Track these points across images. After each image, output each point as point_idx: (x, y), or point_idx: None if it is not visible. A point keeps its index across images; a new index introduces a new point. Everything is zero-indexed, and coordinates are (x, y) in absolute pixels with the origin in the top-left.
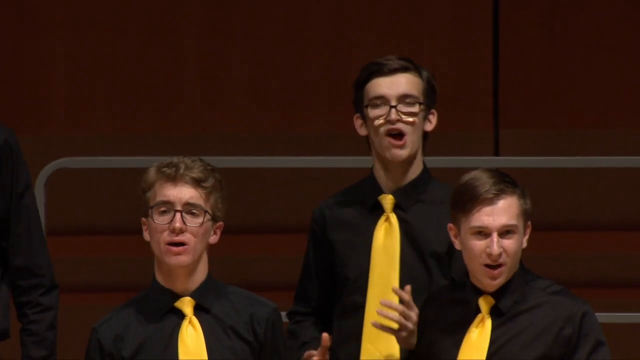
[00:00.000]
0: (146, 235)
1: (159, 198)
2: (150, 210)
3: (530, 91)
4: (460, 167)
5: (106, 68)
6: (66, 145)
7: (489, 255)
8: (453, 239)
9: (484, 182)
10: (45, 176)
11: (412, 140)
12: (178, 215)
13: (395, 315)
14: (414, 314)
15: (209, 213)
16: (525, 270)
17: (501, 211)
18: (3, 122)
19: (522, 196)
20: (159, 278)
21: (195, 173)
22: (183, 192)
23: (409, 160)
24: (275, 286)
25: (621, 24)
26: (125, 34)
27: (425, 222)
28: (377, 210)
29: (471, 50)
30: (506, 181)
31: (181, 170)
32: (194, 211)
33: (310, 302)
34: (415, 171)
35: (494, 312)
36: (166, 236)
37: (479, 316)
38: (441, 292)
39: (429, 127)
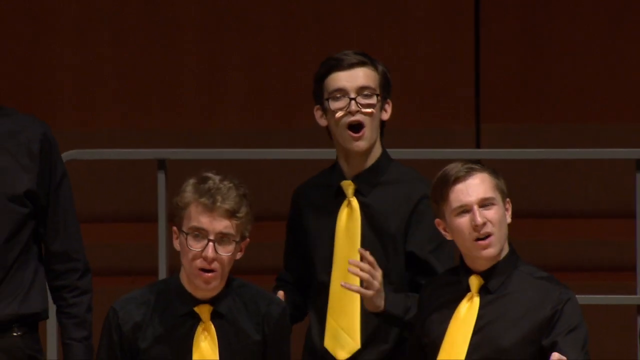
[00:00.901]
0: (176, 244)
1: (194, 223)
2: (183, 232)
3: (510, 88)
4: (443, 158)
5: (112, 68)
6: (75, 139)
7: (475, 227)
8: (443, 232)
9: (454, 166)
10: None
11: (370, 131)
12: (211, 244)
13: (364, 274)
14: (378, 274)
15: (237, 240)
16: (515, 255)
17: (475, 186)
18: None
19: (493, 174)
20: (184, 281)
21: (230, 205)
22: (218, 224)
23: (368, 149)
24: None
25: (597, 24)
26: (130, 36)
27: (384, 204)
28: (341, 195)
29: (453, 49)
30: (474, 163)
31: (218, 203)
32: (225, 239)
33: (291, 273)
34: (374, 157)
35: (483, 291)
36: (199, 263)
37: (469, 294)
38: (439, 277)
39: (385, 116)
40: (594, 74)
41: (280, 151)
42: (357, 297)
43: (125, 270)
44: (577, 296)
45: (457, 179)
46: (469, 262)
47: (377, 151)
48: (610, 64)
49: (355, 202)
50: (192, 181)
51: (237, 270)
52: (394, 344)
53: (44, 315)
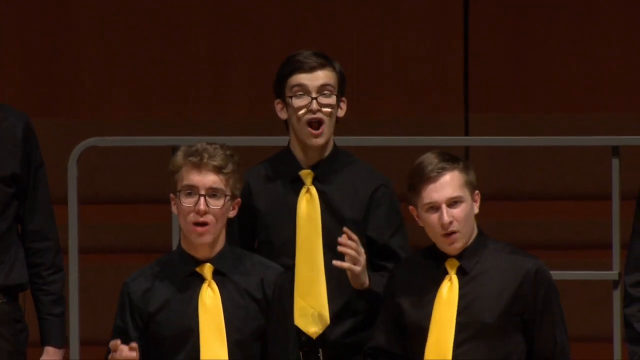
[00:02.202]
0: (174, 209)
1: (185, 182)
2: (178, 192)
3: (496, 81)
4: (434, 145)
5: (128, 62)
6: (94, 127)
7: (442, 225)
8: (416, 218)
9: (428, 163)
10: (77, 153)
11: (328, 128)
12: (202, 199)
13: (352, 252)
14: (362, 251)
15: (228, 195)
16: (483, 235)
17: (445, 186)
18: (40, 109)
19: (464, 169)
20: (184, 246)
21: (217, 161)
22: (206, 178)
23: (325, 144)
24: None
25: (579, 18)
26: (145, 34)
27: (341, 191)
28: (297, 183)
29: (444, 44)
30: (447, 160)
31: (205, 159)
32: (215, 194)
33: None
34: (328, 149)
35: (460, 273)
36: (192, 217)
37: (447, 276)
38: (411, 258)
39: (341, 113)
40: (573, 68)
41: (281, 138)
42: (323, 277)
43: (141, 248)
44: (557, 272)
45: (429, 179)
46: (440, 247)
47: (331, 143)
48: (589, 59)
49: (313, 190)
50: (182, 148)
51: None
52: (361, 318)
53: (25, 286)
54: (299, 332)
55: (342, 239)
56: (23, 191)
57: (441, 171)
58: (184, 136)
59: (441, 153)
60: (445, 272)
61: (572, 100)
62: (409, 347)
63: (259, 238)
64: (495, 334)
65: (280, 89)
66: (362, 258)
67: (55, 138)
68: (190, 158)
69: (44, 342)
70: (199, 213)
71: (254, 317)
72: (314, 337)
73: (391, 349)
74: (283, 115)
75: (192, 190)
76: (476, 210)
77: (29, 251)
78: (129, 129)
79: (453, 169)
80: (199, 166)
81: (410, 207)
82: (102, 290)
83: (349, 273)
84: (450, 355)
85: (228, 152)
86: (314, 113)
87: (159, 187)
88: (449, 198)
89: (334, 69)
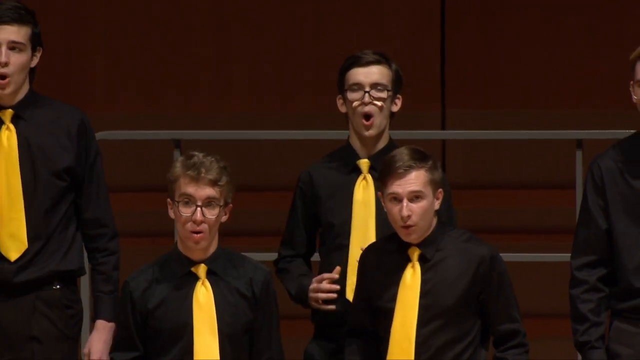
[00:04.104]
0: (171, 213)
1: (183, 192)
2: (175, 200)
3: (471, 79)
4: (412, 138)
5: (137, 61)
6: (106, 122)
7: (401, 217)
8: (383, 202)
9: (398, 159)
10: None
11: (379, 121)
12: (199, 210)
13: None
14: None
15: (222, 205)
16: (442, 225)
17: (409, 182)
18: None
19: (431, 169)
20: (180, 247)
21: (213, 175)
22: (203, 191)
23: (378, 135)
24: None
25: (548, 21)
26: (152, 34)
27: None
28: (355, 172)
29: (422, 44)
30: (416, 158)
31: (202, 174)
32: (211, 204)
33: (296, 247)
34: (384, 141)
35: (421, 259)
36: (189, 226)
37: (410, 263)
38: (379, 243)
39: (395, 108)
40: (543, 67)
41: (278, 132)
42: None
43: (146, 232)
44: (526, 254)
45: (396, 174)
46: (399, 236)
47: (386, 137)
48: (556, 59)
49: (369, 177)
50: (180, 158)
51: (246, 232)
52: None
53: (80, 272)
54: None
55: (323, 284)
56: (79, 183)
57: (408, 169)
58: (187, 130)
59: (414, 150)
60: (409, 259)
61: (540, 97)
62: (378, 326)
63: (321, 222)
64: (454, 315)
65: (340, 85)
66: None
67: None
68: (189, 172)
69: (96, 316)
70: (196, 222)
71: (243, 313)
72: None
73: (368, 327)
74: (343, 109)
75: (190, 200)
76: (437, 207)
77: (86, 237)
78: (138, 122)
79: (420, 168)
80: (196, 180)
81: (379, 193)
82: None
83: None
84: (414, 335)
85: (222, 165)
86: (367, 105)
87: (164, 177)
88: (410, 192)
89: (389, 66)
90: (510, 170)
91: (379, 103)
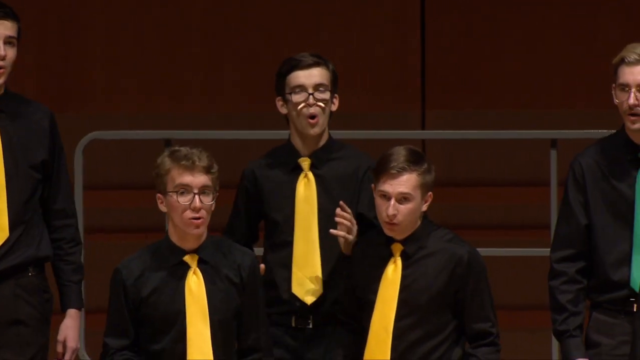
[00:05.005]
0: (162, 207)
1: (179, 182)
2: (169, 193)
3: (450, 81)
4: (394, 138)
5: (132, 63)
6: (100, 122)
7: (387, 215)
8: (374, 194)
9: (395, 158)
10: (83, 145)
11: (322, 120)
12: (197, 197)
13: (347, 222)
14: (355, 222)
15: (215, 192)
16: (429, 222)
17: (400, 183)
18: (52, 104)
19: (424, 173)
20: (172, 237)
21: (205, 162)
22: (198, 179)
23: (321, 133)
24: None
25: (527, 23)
26: (146, 37)
27: (335, 175)
28: (297, 170)
29: (403, 47)
30: (411, 161)
31: (196, 162)
32: (206, 191)
33: (235, 235)
34: (324, 139)
35: (403, 256)
36: (188, 214)
37: (392, 258)
38: (370, 235)
39: (334, 107)
40: (518, 69)
41: (268, 132)
42: (318, 251)
43: (139, 227)
44: (501, 249)
45: (389, 173)
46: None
47: (326, 134)
48: (532, 62)
49: (311, 175)
50: (166, 154)
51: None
52: (342, 289)
53: (51, 258)
54: (294, 300)
55: (338, 210)
56: (49, 176)
57: (401, 170)
58: (177, 130)
59: (411, 152)
60: (392, 254)
61: (517, 97)
62: (362, 317)
63: (265, 218)
64: (430, 312)
65: (280, 87)
66: (355, 228)
67: (66, 130)
68: (183, 162)
69: (65, 306)
70: (195, 209)
71: (233, 299)
72: (309, 303)
73: (359, 315)
74: (283, 110)
75: (186, 189)
76: (424, 209)
77: (52, 228)
78: (131, 122)
79: (412, 171)
80: (191, 169)
81: (372, 185)
82: (104, 264)
83: (341, 240)
84: (391, 327)
85: (208, 154)
86: (311, 107)
87: (152, 176)
88: (399, 193)
89: (327, 67)
90: (487, 168)
91: (322, 104)
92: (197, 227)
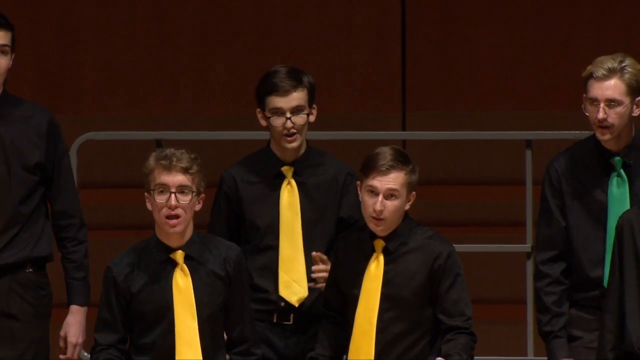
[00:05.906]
0: (148, 205)
1: (158, 181)
2: (151, 191)
3: (429, 84)
4: (376, 139)
5: (124, 66)
6: (94, 123)
7: (374, 210)
8: (359, 192)
9: (383, 156)
10: (77, 145)
11: (301, 135)
12: (173, 195)
13: (324, 274)
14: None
15: (194, 191)
16: (410, 220)
17: (389, 179)
18: (49, 106)
19: (409, 172)
20: (159, 236)
21: (184, 163)
22: (176, 178)
23: (300, 145)
24: None
25: (503, 29)
26: (137, 40)
27: (316, 182)
28: (279, 177)
29: (384, 52)
30: (399, 160)
31: (174, 162)
32: (184, 191)
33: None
34: (303, 148)
35: (385, 252)
36: (165, 211)
37: (375, 254)
38: (351, 233)
39: (312, 118)
40: (495, 72)
41: (257, 133)
42: (302, 254)
43: (130, 225)
44: (479, 245)
45: (378, 171)
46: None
47: (304, 144)
48: (508, 64)
49: (293, 182)
50: (153, 154)
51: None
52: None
53: (49, 258)
54: (280, 301)
55: (314, 267)
56: (49, 177)
57: (390, 168)
58: (168, 131)
59: (399, 152)
60: (374, 250)
61: (493, 100)
62: (346, 311)
63: (245, 223)
64: (412, 305)
65: (260, 103)
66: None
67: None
68: (162, 162)
69: (69, 302)
70: (171, 208)
71: (219, 293)
72: (297, 304)
73: (339, 308)
74: (263, 122)
75: (164, 188)
76: (407, 207)
77: (56, 228)
78: (123, 123)
79: (400, 170)
80: (169, 168)
81: (358, 183)
82: (99, 260)
83: (322, 285)
84: (375, 321)
85: (192, 156)
86: (289, 130)
87: (144, 175)
88: (388, 189)
89: (304, 87)
90: (465, 168)
91: (300, 126)
92: (173, 226)
